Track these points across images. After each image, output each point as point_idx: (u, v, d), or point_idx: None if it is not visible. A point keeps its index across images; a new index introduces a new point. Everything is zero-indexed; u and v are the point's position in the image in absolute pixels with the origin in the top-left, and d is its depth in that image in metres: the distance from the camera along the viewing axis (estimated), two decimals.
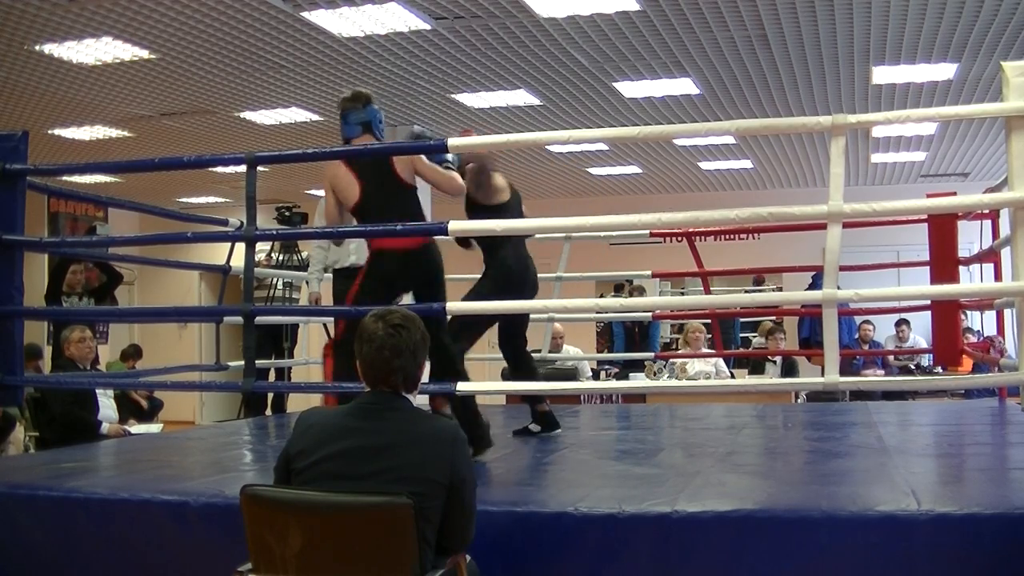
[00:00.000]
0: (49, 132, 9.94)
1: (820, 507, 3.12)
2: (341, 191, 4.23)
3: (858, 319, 11.03)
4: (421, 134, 4.49)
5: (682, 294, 13.92)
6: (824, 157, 11.57)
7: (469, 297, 4.70)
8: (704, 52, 7.62)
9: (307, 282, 6.33)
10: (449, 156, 4.37)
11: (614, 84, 8.56)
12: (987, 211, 6.10)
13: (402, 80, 8.40)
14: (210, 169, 11.27)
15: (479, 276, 4.89)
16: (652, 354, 8.58)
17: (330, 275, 6.61)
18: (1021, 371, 3.66)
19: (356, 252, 6.16)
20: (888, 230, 7.60)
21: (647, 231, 8.01)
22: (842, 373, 3.60)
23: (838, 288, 3.53)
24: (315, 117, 9.57)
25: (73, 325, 6.82)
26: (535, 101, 9.09)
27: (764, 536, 3.04)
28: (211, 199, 14.20)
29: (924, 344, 10.47)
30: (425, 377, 3.00)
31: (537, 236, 8.20)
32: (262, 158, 4.46)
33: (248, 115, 9.50)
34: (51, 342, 10.34)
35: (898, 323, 10.77)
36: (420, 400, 2.92)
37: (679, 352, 9.56)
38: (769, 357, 9.33)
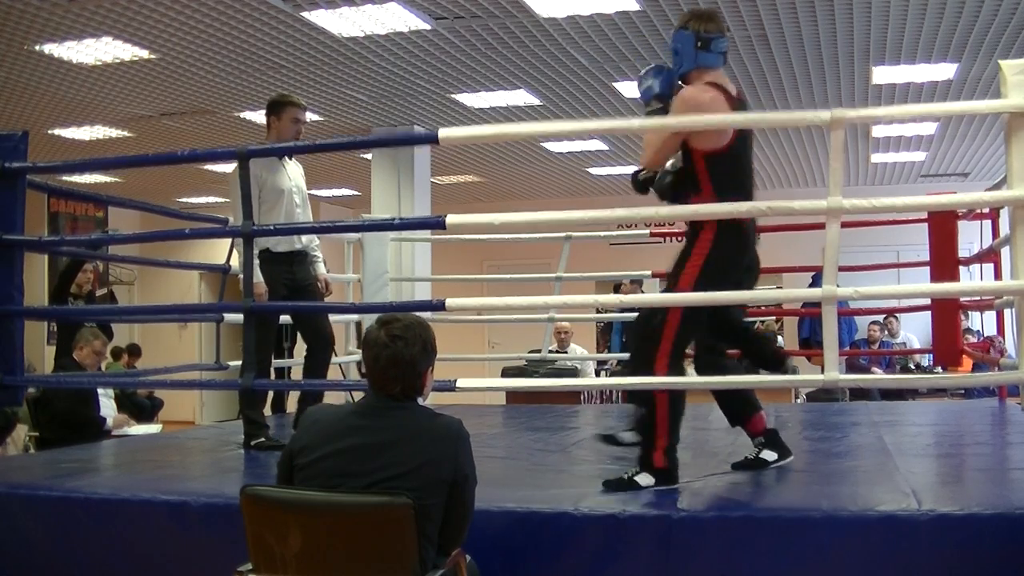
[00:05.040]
0: (49, 132, 9.94)
1: (820, 507, 3.12)
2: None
3: (864, 319, 11.03)
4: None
5: None
6: (824, 156, 11.57)
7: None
8: None
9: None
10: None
11: (614, 84, 8.56)
12: (987, 211, 6.11)
13: (402, 80, 8.40)
14: (210, 169, 11.28)
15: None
16: None
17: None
18: (1021, 370, 3.65)
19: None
20: (888, 230, 7.61)
21: (647, 231, 8.01)
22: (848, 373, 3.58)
23: (837, 286, 3.52)
24: (315, 117, 9.57)
25: (95, 330, 6.80)
26: (535, 101, 9.08)
27: (764, 536, 3.04)
28: (211, 199, 14.19)
29: (918, 343, 10.49)
30: None
31: (537, 235, 8.24)
32: (254, 151, 4.44)
33: (248, 115, 9.50)
34: (51, 342, 10.36)
35: (886, 317, 10.75)
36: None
37: None
38: None
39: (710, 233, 3.51)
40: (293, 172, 5.15)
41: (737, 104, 3.57)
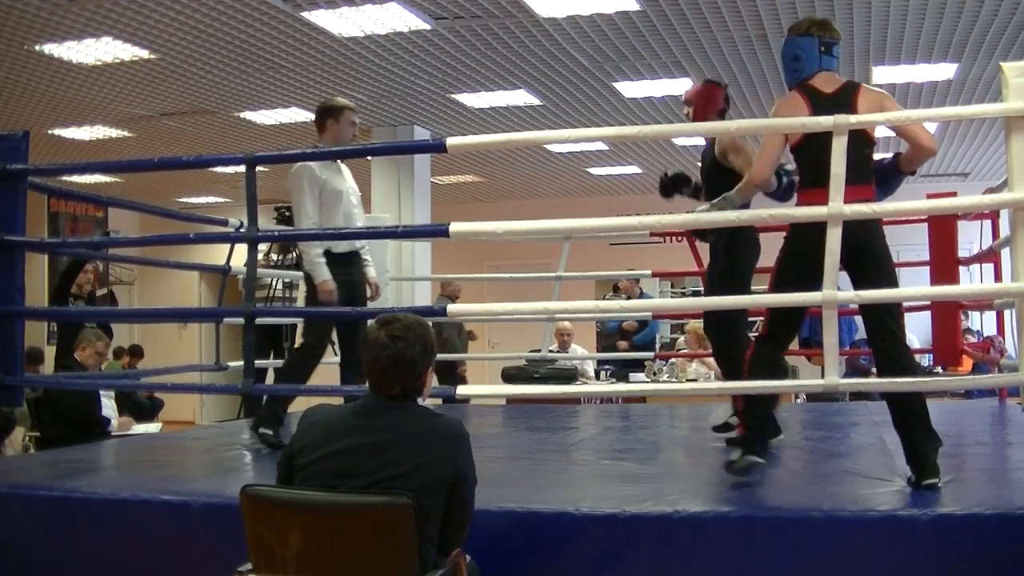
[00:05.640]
0: (49, 132, 9.94)
1: (821, 507, 3.12)
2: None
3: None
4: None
5: (682, 294, 13.93)
6: None
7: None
8: (704, 52, 7.62)
9: (308, 273, 4.94)
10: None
11: (614, 84, 8.56)
12: (987, 211, 6.10)
13: (402, 80, 8.41)
14: (210, 169, 11.28)
15: None
16: (652, 354, 8.59)
17: None
18: (1021, 372, 3.66)
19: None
20: (888, 230, 7.53)
21: (647, 231, 8.01)
22: (849, 372, 3.61)
23: (838, 289, 3.53)
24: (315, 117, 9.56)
25: (97, 331, 6.80)
26: (535, 101, 9.09)
27: (765, 536, 3.04)
28: (211, 199, 14.20)
29: (918, 343, 10.49)
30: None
31: (537, 236, 8.25)
32: (261, 158, 4.46)
33: (248, 115, 9.50)
34: (51, 342, 10.36)
35: None
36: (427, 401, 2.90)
37: (678, 352, 9.56)
38: None
39: (786, 231, 3.71)
40: (347, 174, 5.19)
41: (821, 100, 3.63)
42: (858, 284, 3.59)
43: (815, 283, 3.54)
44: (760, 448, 3.59)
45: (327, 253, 4.92)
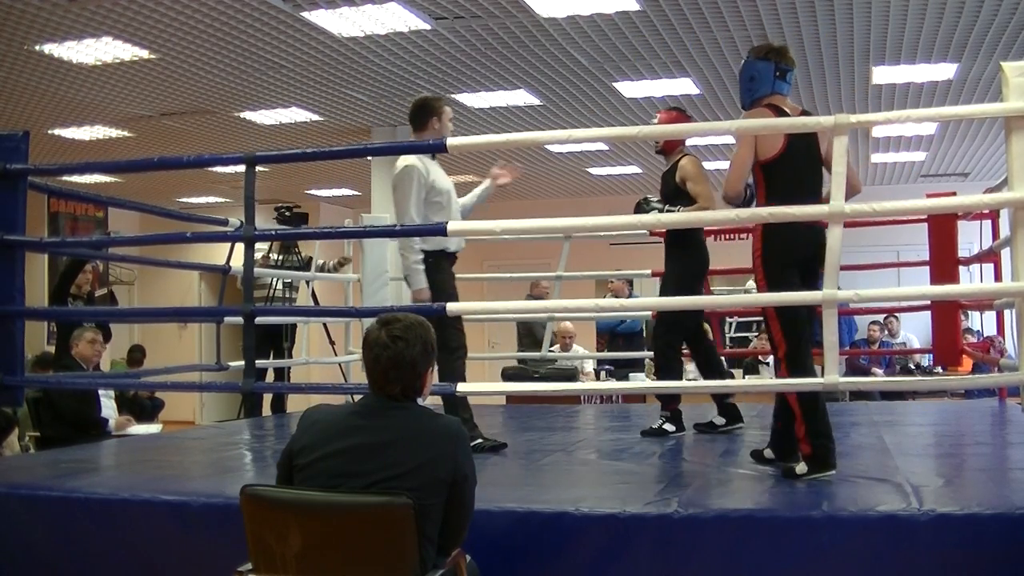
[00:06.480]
0: (49, 132, 9.94)
1: (821, 507, 3.12)
2: (763, 139, 3.79)
3: (864, 319, 11.02)
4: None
5: None
6: None
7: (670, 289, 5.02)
8: (704, 52, 7.62)
9: (407, 278, 4.75)
10: None
11: (614, 84, 8.56)
12: (987, 211, 6.11)
13: (402, 80, 8.41)
14: (210, 169, 11.28)
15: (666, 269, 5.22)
16: (652, 354, 8.57)
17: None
18: (1021, 371, 3.65)
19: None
20: (888, 230, 7.62)
21: (646, 231, 7.99)
22: (849, 372, 3.63)
23: (839, 288, 3.53)
24: (315, 117, 9.57)
25: (86, 325, 6.82)
26: (535, 101, 9.09)
27: (765, 536, 3.04)
28: (211, 199, 14.20)
29: (917, 342, 10.49)
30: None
31: (537, 236, 8.24)
32: (261, 158, 4.45)
33: (248, 115, 9.50)
34: (51, 342, 10.37)
35: (886, 317, 10.74)
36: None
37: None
38: (760, 358, 9.31)
39: (758, 241, 3.77)
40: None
41: None
42: (808, 284, 3.72)
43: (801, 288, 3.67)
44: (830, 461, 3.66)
45: (442, 252, 4.75)
